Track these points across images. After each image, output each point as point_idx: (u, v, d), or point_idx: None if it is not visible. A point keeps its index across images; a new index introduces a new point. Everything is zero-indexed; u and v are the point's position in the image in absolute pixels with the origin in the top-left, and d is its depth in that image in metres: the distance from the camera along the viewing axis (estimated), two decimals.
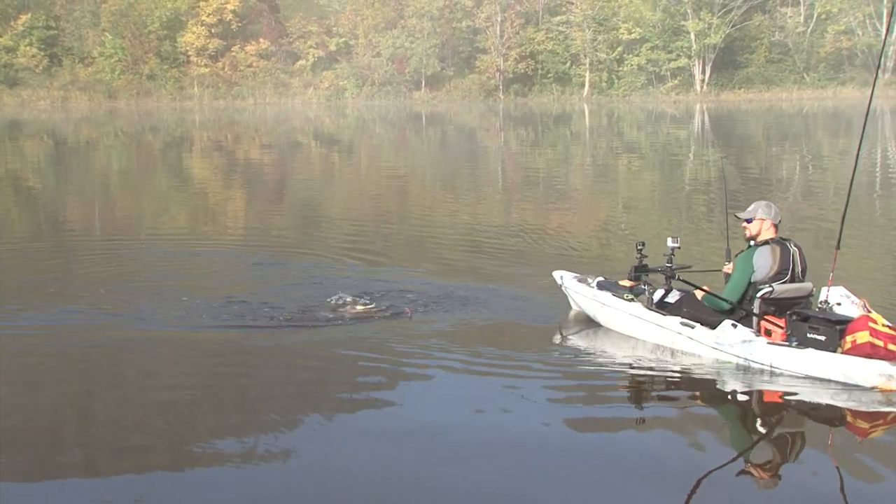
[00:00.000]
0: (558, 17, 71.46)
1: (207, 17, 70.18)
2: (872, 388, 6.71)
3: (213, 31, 70.64)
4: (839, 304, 7.50)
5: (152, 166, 30.74)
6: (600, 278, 9.06)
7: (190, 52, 70.64)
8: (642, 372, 7.65)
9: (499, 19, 70.60)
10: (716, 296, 7.79)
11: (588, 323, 8.93)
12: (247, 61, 71.60)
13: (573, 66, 71.65)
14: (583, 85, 71.55)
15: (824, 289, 7.58)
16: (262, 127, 49.81)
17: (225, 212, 19.05)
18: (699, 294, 7.99)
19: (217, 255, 12.95)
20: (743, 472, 5.76)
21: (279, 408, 6.78)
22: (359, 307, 9.19)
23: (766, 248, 7.65)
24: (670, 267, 8.03)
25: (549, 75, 72.05)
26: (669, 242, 8.01)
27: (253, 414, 6.75)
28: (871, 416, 6.51)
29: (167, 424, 6.52)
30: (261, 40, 71.76)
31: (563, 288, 9.41)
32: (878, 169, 24.37)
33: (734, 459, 5.96)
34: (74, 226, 17.25)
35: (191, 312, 9.28)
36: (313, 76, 72.30)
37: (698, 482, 5.48)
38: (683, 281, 7.99)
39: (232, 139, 41.73)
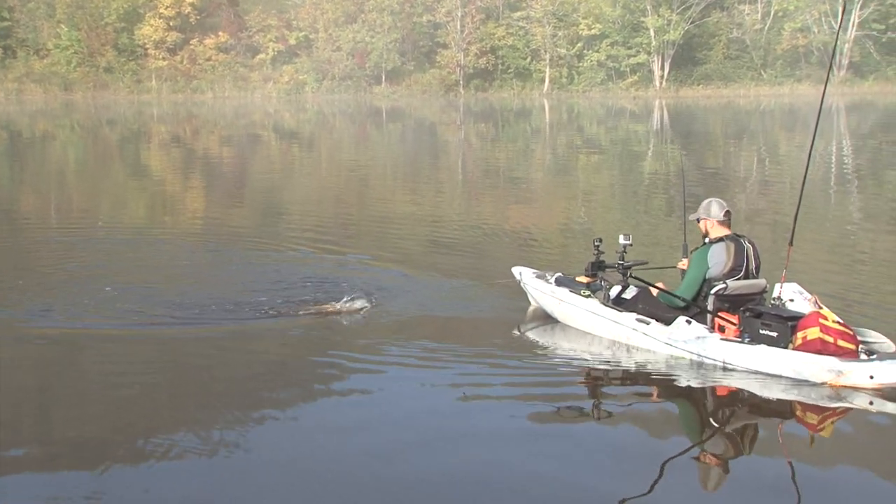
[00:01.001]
0: (518, 13, 71.59)
1: (165, 9, 69.43)
2: (822, 384, 6.83)
3: (171, 23, 69.91)
4: (792, 300, 7.61)
5: (108, 159, 30.35)
6: (559, 274, 9.13)
7: (148, 45, 69.94)
8: (598, 367, 7.72)
9: (459, 14, 70.63)
10: (669, 293, 7.86)
11: (546, 319, 8.98)
12: (206, 55, 71.00)
13: (533, 62, 71.94)
14: (543, 80, 71.81)
15: (777, 285, 7.70)
16: (220, 121, 49.39)
17: (181, 205, 18.85)
18: (655, 291, 8.06)
19: (170, 247, 12.89)
20: (695, 465, 5.84)
21: (236, 402, 6.75)
22: (336, 307, 9.10)
23: (721, 244, 7.73)
24: (623, 263, 8.11)
25: (510, 70, 72.25)
26: (621, 240, 8.11)
27: (209, 408, 6.71)
28: (821, 411, 6.62)
29: (125, 421, 6.47)
30: (220, 34, 71.15)
31: (521, 284, 9.46)
32: (832, 165, 24.74)
33: (687, 454, 6.04)
34: (24, 218, 17.02)
35: (144, 305, 9.19)
36: (273, 70, 71.88)
37: (651, 476, 5.55)
38: (637, 279, 8.06)
39: (190, 133, 41.34)
